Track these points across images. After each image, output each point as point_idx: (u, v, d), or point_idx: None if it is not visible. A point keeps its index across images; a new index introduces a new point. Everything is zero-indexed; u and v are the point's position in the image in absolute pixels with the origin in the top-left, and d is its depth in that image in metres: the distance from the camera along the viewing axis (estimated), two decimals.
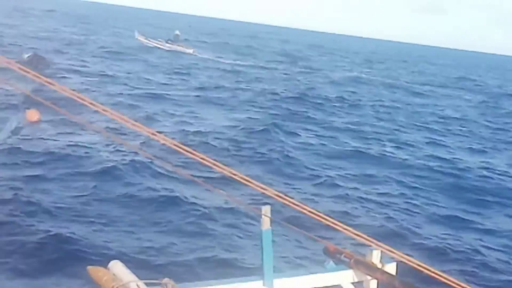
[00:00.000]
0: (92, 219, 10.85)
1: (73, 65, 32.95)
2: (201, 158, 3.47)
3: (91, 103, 3.38)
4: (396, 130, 27.18)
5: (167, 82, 32.87)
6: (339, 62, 75.24)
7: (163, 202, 12.42)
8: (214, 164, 3.57)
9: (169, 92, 28.54)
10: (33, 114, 16.01)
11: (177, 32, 52.32)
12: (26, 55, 24.82)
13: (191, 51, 48.58)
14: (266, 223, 3.92)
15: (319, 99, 33.73)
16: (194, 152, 3.54)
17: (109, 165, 14.01)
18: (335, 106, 32.45)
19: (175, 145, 3.48)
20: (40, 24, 63.22)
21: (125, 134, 15.75)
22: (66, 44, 44.98)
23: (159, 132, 4.21)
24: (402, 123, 29.72)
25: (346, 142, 22.19)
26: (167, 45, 49.18)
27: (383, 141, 23.63)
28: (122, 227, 10.75)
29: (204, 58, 49.06)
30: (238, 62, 50.19)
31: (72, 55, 37.90)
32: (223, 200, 11.98)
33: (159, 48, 48.71)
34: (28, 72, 3.51)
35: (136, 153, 14.53)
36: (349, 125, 26.44)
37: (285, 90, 35.51)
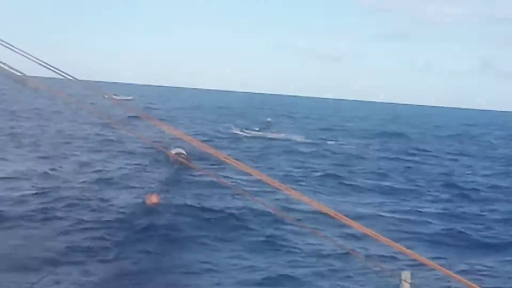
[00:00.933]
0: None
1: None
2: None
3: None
4: None
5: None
6: None
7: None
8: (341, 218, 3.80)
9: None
10: (153, 198, 17.14)
11: (269, 119, 54.87)
12: (174, 151, 26.81)
13: (282, 135, 48.97)
14: None
15: None
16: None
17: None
18: None
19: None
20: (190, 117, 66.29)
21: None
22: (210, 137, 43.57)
23: None
24: None
25: None
26: (259, 133, 49.71)
27: None
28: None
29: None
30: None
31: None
32: (359, 261, 11.84)
33: (250, 136, 48.81)
34: None
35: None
36: None
37: None
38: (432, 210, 21.45)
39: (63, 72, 4.49)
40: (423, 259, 3.84)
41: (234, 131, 50.15)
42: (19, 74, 4.45)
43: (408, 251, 3.95)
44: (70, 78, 4.58)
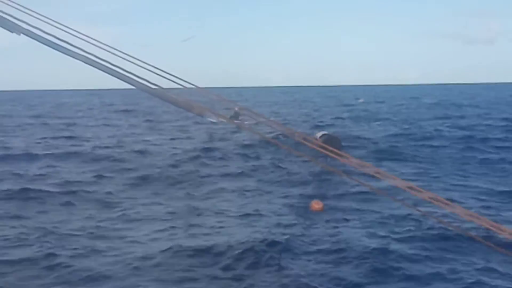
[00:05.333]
0: None
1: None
2: None
3: None
4: None
5: None
6: None
7: None
8: None
9: None
10: (316, 204, 17.16)
11: (236, 108, 62.10)
12: (320, 134, 27.27)
13: (246, 122, 57.46)
14: None
15: None
16: None
17: None
18: None
19: None
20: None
21: None
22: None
23: None
24: None
25: None
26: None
27: None
28: None
29: None
30: None
31: None
32: None
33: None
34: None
35: None
36: None
37: None
38: None
39: (186, 81, 5.05)
40: None
41: (212, 120, 57.66)
42: (155, 87, 5.05)
43: None
44: (192, 86, 5.16)
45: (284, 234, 13.44)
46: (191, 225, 14.47)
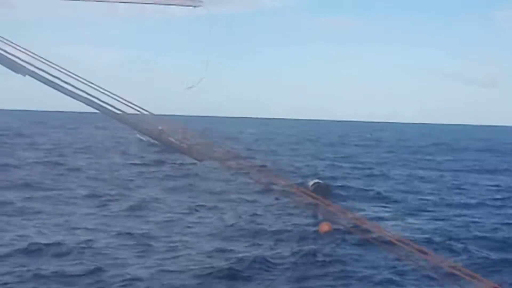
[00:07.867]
0: None
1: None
2: None
3: None
4: None
5: None
6: None
7: None
8: None
9: None
10: (325, 226, 18.64)
11: (160, 127, 65.96)
12: (312, 182, 27.23)
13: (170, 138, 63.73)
14: None
15: None
16: None
17: None
18: None
19: None
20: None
21: None
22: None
23: None
24: None
25: None
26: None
27: None
28: None
29: None
30: None
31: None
32: None
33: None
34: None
35: None
36: None
37: None
38: None
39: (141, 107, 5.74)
40: None
41: (141, 138, 62.91)
42: (119, 112, 5.52)
43: None
44: (146, 113, 5.97)
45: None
46: None
